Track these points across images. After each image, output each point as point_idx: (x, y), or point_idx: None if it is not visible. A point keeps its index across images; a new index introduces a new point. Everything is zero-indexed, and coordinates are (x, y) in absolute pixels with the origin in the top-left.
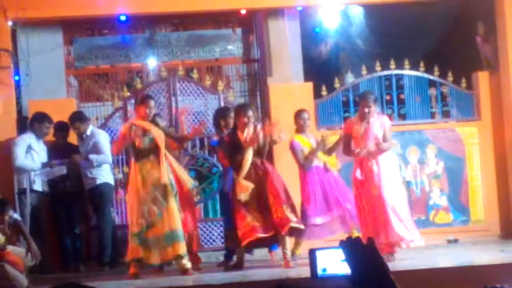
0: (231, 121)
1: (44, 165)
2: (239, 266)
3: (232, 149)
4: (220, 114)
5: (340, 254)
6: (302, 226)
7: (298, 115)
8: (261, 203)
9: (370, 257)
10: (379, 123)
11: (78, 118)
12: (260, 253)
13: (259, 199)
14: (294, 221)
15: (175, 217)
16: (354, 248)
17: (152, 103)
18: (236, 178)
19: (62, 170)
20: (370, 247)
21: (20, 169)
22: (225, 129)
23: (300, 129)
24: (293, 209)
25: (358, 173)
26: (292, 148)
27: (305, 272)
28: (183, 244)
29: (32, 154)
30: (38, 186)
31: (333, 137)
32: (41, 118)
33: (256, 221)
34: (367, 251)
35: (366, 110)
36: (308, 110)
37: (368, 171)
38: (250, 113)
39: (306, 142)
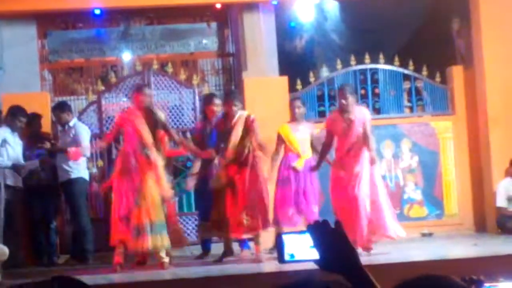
0: (216, 109)
1: (15, 166)
2: (229, 253)
3: (223, 135)
4: (204, 102)
5: (307, 238)
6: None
7: (290, 103)
8: (230, 200)
9: (338, 241)
10: (360, 118)
11: (59, 107)
12: (236, 246)
13: (230, 195)
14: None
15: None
16: (321, 232)
17: (148, 91)
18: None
19: (34, 164)
20: (338, 231)
21: None
22: (211, 117)
23: (292, 118)
24: (260, 212)
25: (339, 172)
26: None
27: (278, 265)
28: (166, 236)
29: (7, 148)
30: (11, 181)
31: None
32: (15, 112)
33: (222, 217)
34: (335, 234)
35: (343, 101)
36: (300, 98)
37: (348, 169)
38: (237, 101)
39: (289, 134)
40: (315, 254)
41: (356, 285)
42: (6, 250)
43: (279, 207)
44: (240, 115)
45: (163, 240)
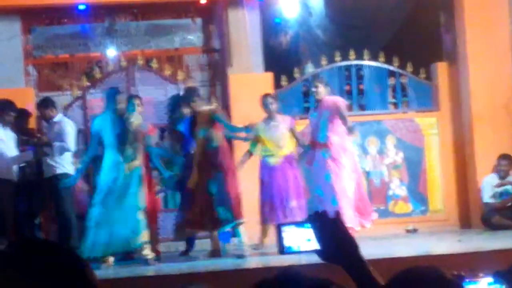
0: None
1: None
2: (217, 254)
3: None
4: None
5: (306, 230)
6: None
7: (262, 100)
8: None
9: (337, 231)
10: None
11: (42, 103)
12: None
13: (203, 192)
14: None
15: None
16: (322, 222)
17: (121, 98)
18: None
19: (29, 155)
20: (337, 221)
21: None
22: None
23: (266, 114)
24: (235, 204)
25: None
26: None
27: (262, 261)
28: (146, 233)
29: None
30: (8, 175)
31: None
32: (3, 106)
33: (199, 213)
34: (334, 225)
35: (313, 89)
36: (272, 94)
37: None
38: (196, 97)
39: (261, 132)
40: (313, 245)
41: (355, 276)
42: None
43: (264, 205)
44: (203, 109)
45: (143, 238)
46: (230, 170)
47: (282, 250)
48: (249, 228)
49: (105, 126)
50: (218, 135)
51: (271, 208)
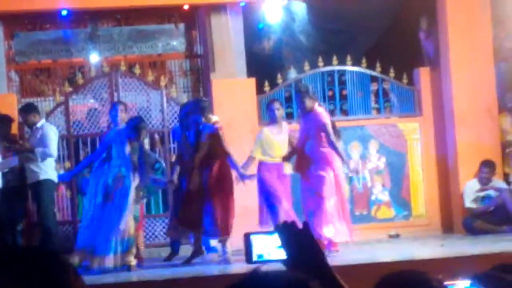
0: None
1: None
2: (199, 252)
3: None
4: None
5: (275, 239)
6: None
7: (268, 105)
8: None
9: (305, 241)
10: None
11: (24, 109)
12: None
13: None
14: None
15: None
16: (289, 232)
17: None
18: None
19: (14, 161)
20: (305, 231)
21: None
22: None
23: (271, 120)
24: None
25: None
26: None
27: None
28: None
29: None
30: None
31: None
32: None
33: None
34: (302, 235)
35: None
36: (278, 100)
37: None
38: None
39: (270, 138)
40: (282, 254)
41: (323, 285)
42: None
43: (263, 208)
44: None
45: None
46: (225, 179)
47: (250, 259)
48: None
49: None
50: (219, 148)
51: (271, 211)
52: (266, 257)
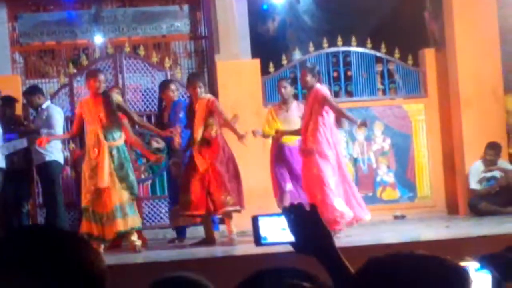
0: (172, 94)
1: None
2: (210, 241)
3: (191, 119)
4: (159, 88)
5: (281, 221)
6: (237, 208)
7: (278, 84)
8: (204, 180)
9: (313, 224)
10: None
11: (29, 91)
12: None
13: (203, 175)
14: (230, 204)
15: (120, 192)
16: (297, 215)
17: (101, 76)
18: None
19: (22, 143)
20: (313, 214)
21: None
22: (169, 102)
23: (282, 99)
24: (232, 190)
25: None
26: None
27: (252, 248)
28: (135, 217)
29: None
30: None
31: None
32: None
33: (196, 198)
34: (310, 217)
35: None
36: (286, 79)
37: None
38: (200, 83)
39: (272, 115)
40: (288, 237)
41: (329, 268)
42: None
43: (283, 184)
44: (202, 98)
45: (134, 222)
46: (229, 158)
47: (259, 241)
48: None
49: (87, 107)
50: (216, 123)
51: (284, 191)
52: (271, 239)
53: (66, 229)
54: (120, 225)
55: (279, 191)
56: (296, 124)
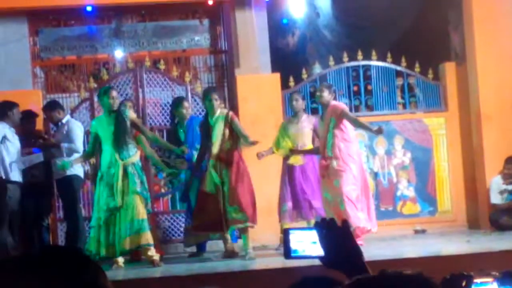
0: (185, 112)
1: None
2: (230, 255)
3: (207, 134)
4: (172, 105)
5: (312, 235)
6: (250, 224)
7: (290, 97)
8: (217, 196)
9: (343, 239)
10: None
11: (49, 106)
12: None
13: (217, 191)
14: (243, 221)
15: (138, 207)
16: (328, 230)
17: (114, 93)
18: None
19: (39, 157)
20: (344, 229)
21: None
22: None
23: (292, 112)
24: (247, 206)
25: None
26: None
27: (271, 262)
28: (148, 234)
29: (7, 144)
30: (15, 176)
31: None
32: (10, 105)
33: (210, 216)
34: (341, 233)
35: (318, 93)
36: (299, 92)
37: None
38: (215, 96)
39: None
40: (317, 251)
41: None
42: None
43: (282, 203)
44: (220, 112)
45: (146, 239)
46: (244, 172)
47: (288, 254)
48: (260, 229)
49: (101, 124)
50: (231, 138)
51: (293, 207)
52: (304, 253)
53: (77, 246)
54: (128, 243)
55: (278, 210)
56: (307, 136)
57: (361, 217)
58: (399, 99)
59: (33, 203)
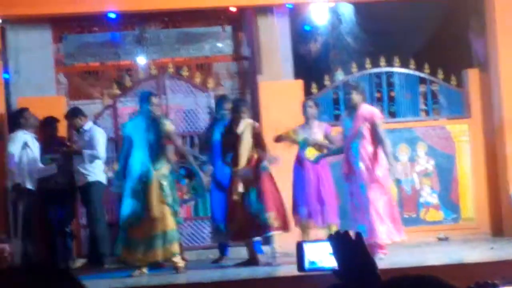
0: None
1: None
2: (253, 261)
3: (229, 142)
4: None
5: (327, 247)
6: (281, 231)
7: (302, 104)
8: (247, 203)
9: (357, 252)
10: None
11: (70, 113)
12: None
13: (246, 199)
14: (275, 228)
15: (169, 218)
16: (342, 242)
17: (155, 99)
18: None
19: (52, 169)
20: (358, 242)
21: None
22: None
23: (305, 119)
24: (279, 212)
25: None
26: None
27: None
28: (177, 244)
29: (27, 151)
30: (30, 184)
31: None
32: (20, 112)
33: (241, 222)
34: (355, 245)
35: (349, 96)
36: (313, 99)
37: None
38: (244, 109)
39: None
40: (332, 263)
41: None
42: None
43: (296, 208)
44: (246, 123)
45: (175, 249)
46: (272, 180)
47: (302, 267)
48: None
49: (135, 130)
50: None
51: (308, 209)
52: (318, 265)
53: (105, 249)
54: (161, 254)
55: (295, 215)
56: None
57: (386, 228)
58: (422, 106)
59: (57, 209)
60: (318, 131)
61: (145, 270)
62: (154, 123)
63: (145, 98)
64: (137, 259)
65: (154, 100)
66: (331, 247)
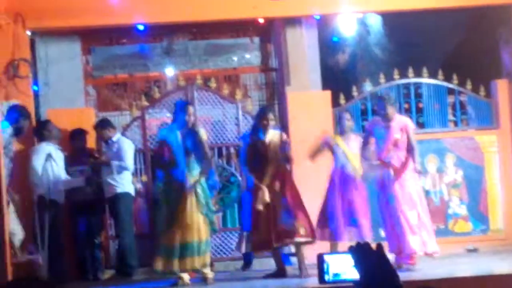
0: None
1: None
2: (281, 272)
3: (255, 153)
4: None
5: (349, 259)
6: (309, 239)
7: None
8: (273, 213)
9: (378, 263)
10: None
11: (99, 125)
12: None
13: (273, 209)
14: (302, 235)
15: (203, 228)
16: (362, 254)
17: (191, 109)
18: (258, 185)
19: (78, 182)
20: (379, 253)
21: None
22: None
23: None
24: (304, 221)
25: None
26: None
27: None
28: (209, 255)
29: (51, 163)
30: (55, 196)
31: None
32: (42, 124)
33: (267, 231)
34: (375, 256)
35: (383, 111)
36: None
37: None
38: (271, 115)
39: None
40: (356, 274)
41: None
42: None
43: (331, 218)
44: (273, 133)
45: (207, 258)
46: (297, 190)
47: (323, 279)
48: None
49: (172, 137)
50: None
51: (338, 224)
52: (339, 277)
53: (133, 260)
54: (196, 263)
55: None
56: (355, 156)
57: (418, 240)
58: (450, 117)
59: (85, 221)
60: (354, 145)
61: (187, 279)
62: (191, 132)
63: (182, 108)
64: (172, 266)
65: (191, 109)
66: (352, 259)
